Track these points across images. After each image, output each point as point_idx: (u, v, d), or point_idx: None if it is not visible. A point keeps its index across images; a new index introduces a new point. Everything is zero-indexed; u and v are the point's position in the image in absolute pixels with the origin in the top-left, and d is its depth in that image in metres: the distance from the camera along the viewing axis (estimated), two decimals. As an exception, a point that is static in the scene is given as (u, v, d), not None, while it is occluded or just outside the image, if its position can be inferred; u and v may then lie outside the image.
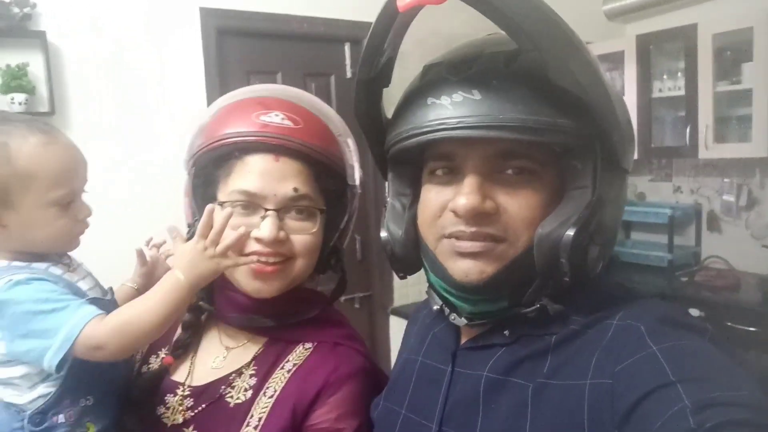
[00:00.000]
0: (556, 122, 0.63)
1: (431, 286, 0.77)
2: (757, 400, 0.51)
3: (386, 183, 0.84)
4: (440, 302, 0.76)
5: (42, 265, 0.88)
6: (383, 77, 0.72)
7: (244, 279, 0.89)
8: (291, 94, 0.97)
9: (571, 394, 0.61)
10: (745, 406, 0.50)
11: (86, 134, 2.27)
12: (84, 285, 0.92)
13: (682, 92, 3.32)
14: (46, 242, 0.89)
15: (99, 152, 2.23)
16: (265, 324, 0.94)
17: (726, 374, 0.55)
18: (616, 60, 3.65)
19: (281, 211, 0.88)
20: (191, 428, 0.89)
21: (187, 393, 0.92)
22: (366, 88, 0.73)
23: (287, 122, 0.89)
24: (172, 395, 0.93)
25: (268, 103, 0.91)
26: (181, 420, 0.90)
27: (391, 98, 0.78)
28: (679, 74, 3.34)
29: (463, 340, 0.78)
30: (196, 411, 0.90)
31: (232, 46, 2.70)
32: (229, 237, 0.84)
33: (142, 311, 0.83)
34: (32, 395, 0.84)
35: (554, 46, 0.59)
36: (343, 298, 3.01)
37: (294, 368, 0.91)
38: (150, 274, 1.06)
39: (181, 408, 0.91)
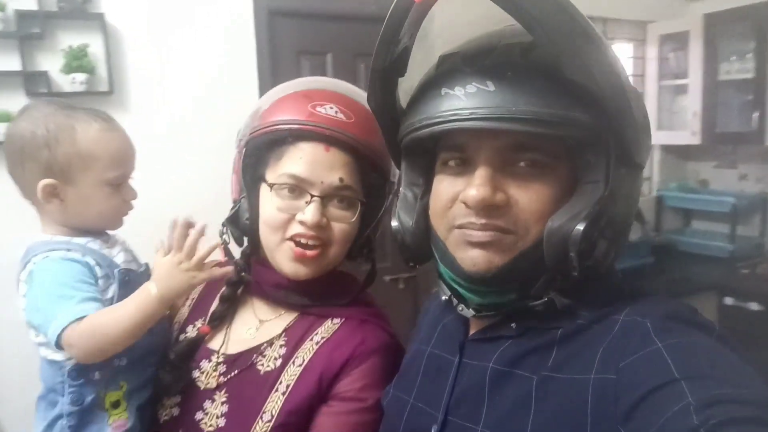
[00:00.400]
0: (570, 115, 0.62)
1: (440, 276, 0.77)
2: (762, 397, 0.50)
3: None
4: (449, 293, 0.76)
5: (82, 240, 0.95)
6: (398, 67, 0.71)
7: (284, 261, 0.94)
8: (345, 88, 1.01)
9: (575, 388, 0.61)
10: (750, 404, 0.49)
11: (143, 114, 2.37)
12: (119, 259, 0.98)
13: (751, 75, 3.16)
14: (97, 218, 0.97)
15: (152, 132, 2.34)
16: (299, 302, 0.99)
17: (731, 372, 0.54)
18: (680, 40, 3.49)
19: (325, 198, 0.92)
20: (223, 392, 0.94)
21: (221, 360, 0.98)
22: (380, 77, 0.72)
23: (340, 115, 0.93)
24: (207, 361, 0.98)
25: (325, 96, 0.96)
26: (214, 385, 0.95)
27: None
28: (749, 56, 3.16)
29: (472, 331, 0.78)
30: (228, 377, 0.96)
31: (283, 26, 2.73)
32: (203, 249, 0.89)
33: (111, 320, 0.87)
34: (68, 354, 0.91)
35: (570, 40, 0.58)
36: (387, 278, 3.09)
37: (322, 341, 0.95)
38: None
39: (214, 374, 0.96)
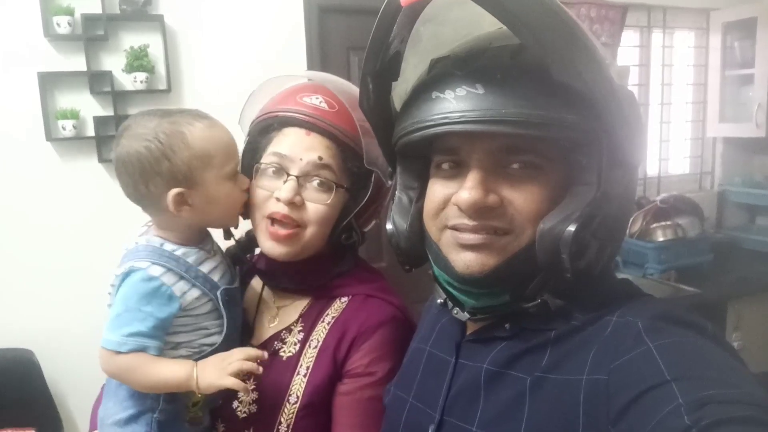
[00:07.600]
0: (560, 117, 0.61)
1: (435, 279, 0.77)
2: (754, 397, 0.50)
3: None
4: (444, 296, 0.76)
5: (184, 250, 0.97)
6: (391, 71, 0.71)
7: (262, 240, 1.00)
8: (339, 83, 1.06)
9: (568, 389, 0.61)
10: (742, 404, 0.49)
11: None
12: (217, 273, 1.00)
13: (822, 63, 2.97)
14: (224, 215, 1.00)
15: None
16: (281, 284, 1.06)
17: (723, 372, 0.54)
18: (746, 28, 3.33)
19: (302, 178, 0.97)
20: (252, 380, 0.98)
21: None
22: (372, 80, 0.73)
23: (323, 105, 1.01)
24: None
25: (314, 88, 1.03)
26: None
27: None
28: (821, 43, 2.99)
29: (469, 332, 0.78)
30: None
31: (333, 22, 2.78)
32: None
33: (146, 371, 0.90)
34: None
35: (556, 41, 0.58)
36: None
37: (333, 320, 1.01)
38: None
39: None
